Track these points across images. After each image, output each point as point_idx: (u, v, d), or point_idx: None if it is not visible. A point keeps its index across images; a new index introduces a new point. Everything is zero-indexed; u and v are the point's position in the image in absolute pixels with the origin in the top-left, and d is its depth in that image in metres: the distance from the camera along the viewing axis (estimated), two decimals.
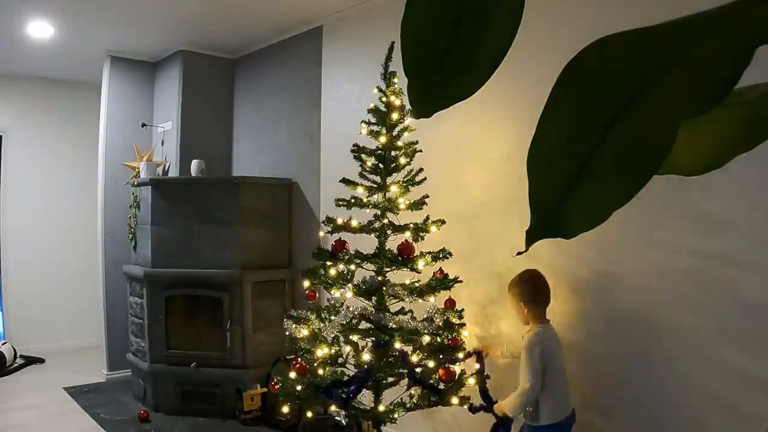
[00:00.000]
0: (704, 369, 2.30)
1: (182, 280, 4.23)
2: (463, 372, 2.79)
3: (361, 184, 2.86)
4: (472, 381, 2.77)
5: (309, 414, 2.83)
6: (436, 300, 2.82)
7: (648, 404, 2.46)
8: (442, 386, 2.67)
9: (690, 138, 0.49)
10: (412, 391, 2.72)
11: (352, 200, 2.82)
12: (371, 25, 3.85)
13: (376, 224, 2.82)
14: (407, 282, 2.78)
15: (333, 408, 2.66)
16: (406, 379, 2.66)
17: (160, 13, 4.18)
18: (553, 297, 2.66)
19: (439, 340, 2.73)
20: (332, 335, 2.71)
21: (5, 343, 5.37)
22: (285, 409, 2.95)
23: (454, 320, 2.78)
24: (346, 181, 2.87)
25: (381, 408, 2.68)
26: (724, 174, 0.65)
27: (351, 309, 2.73)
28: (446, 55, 0.46)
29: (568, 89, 0.41)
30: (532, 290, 2.60)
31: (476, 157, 3.21)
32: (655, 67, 0.40)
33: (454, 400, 2.70)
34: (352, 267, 2.80)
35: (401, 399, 2.70)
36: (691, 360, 2.34)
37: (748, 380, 2.17)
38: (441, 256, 2.78)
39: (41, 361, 5.52)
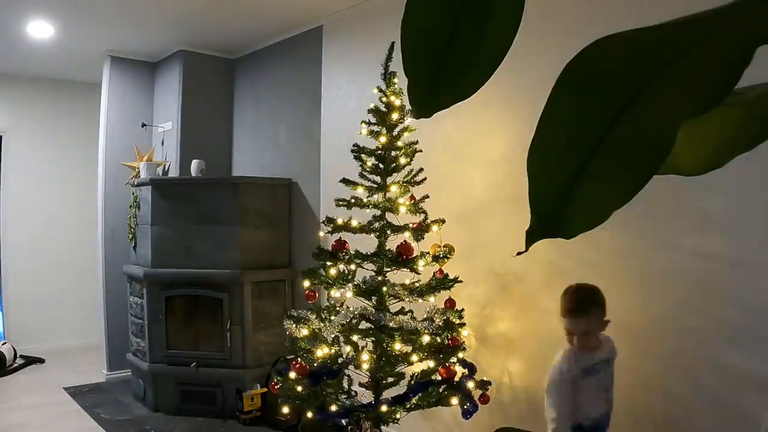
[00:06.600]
0: (705, 369, 2.29)
1: (182, 280, 4.23)
2: (463, 375, 2.78)
3: (361, 184, 2.86)
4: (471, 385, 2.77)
5: (309, 414, 2.83)
6: (436, 300, 2.82)
7: (648, 404, 2.45)
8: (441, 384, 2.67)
9: (690, 138, 0.49)
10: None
11: (352, 200, 2.82)
12: (371, 25, 3.84)
13: (376, 224, 2.82)
14: (407, 282, 2.78)
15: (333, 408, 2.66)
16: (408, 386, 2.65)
17: (160, 13, 4.18)
18: (552, 298, 2.64)
19: (439, 340, 2.73)
20: (332, 335, 2.71)
21: (5, 343, 5.37)
22: (285, 409, 2.95)
23: (454, 320, 2.78)
24: (346, 181, 2.87)
25: (382, 408, 2.68)
26: (724, 174, 0.65)
27: (351, 309, 2.73)
28: (446, 55, 0.46)
29: (568, 89, 0.41)
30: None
31: (476, 157, 3.21)
32: (655, 67, 0.40)
33: (454, 401, 2.70)
34: (352, 267, 2.80)
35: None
36: (691, 360, 2.34)
37: (748, 380, 2.17)
38: (441, 256, 2.78)
39: (41, 361, 5.52)
